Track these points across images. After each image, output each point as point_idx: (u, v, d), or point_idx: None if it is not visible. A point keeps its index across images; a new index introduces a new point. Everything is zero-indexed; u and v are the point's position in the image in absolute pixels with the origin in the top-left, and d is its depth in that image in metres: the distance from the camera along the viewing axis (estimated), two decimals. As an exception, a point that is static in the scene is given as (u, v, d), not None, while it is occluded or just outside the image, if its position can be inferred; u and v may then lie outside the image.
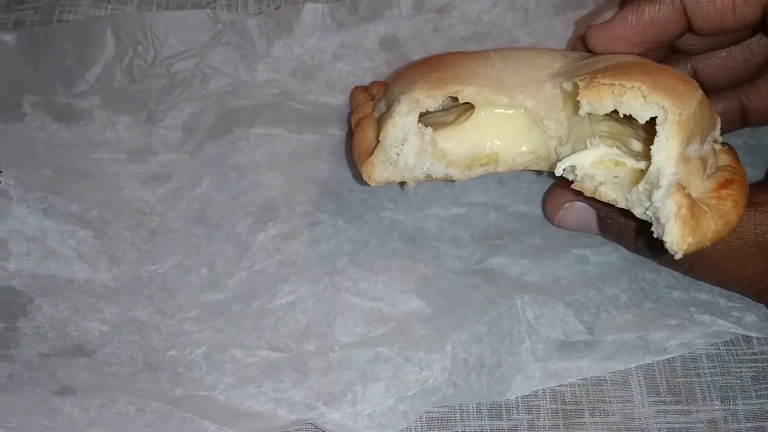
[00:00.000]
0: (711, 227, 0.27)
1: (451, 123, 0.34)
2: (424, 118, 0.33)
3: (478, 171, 0.33)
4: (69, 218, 0.37)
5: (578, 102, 0.30)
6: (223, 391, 0.33)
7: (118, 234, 0.37)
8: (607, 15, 0.34)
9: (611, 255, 0.37)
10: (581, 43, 0.35)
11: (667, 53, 0.36)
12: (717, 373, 0.35)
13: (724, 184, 0.29)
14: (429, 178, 0.34)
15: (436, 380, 0.34)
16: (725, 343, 0.36)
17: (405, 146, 0.33)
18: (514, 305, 0.35)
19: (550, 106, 0.32)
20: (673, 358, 0.35)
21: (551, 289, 0.36)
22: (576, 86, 0.30)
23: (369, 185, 0.33)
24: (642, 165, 0.29)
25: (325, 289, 0.36)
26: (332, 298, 0.36)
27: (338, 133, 0.41)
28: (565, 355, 0.35)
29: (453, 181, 0.34)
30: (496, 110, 0.33)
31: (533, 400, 0.34)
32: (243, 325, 0.35)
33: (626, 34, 0.33)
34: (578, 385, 0.35)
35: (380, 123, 0.34)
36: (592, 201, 0.31)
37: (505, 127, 0.33)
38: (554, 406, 0.34)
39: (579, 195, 0.32)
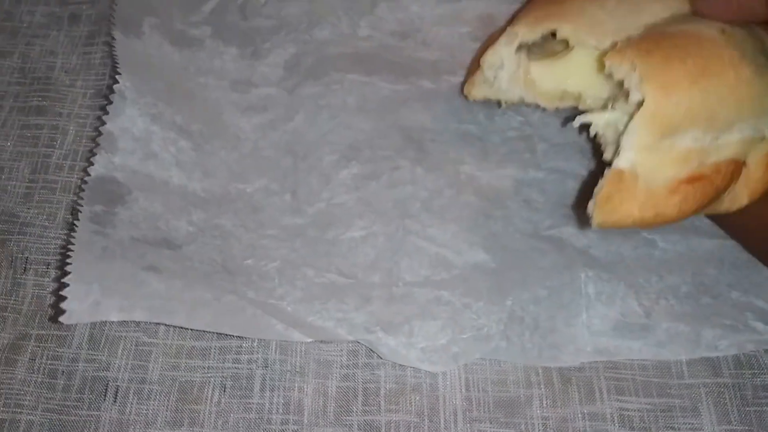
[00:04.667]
0: (633, 212, 0.29)
1: (556, 54, 0.35)
2: (538, 44, 0.35)
3: (563, 104, 0.36)
4: (173, 127, 0.40)
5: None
6: (291, 303, 0.35)
7: (214, 151, 0.40)
8: None
9: (680, 244, 0.38)
10: None
11: None
12: None
13: (691, 179, 0.29)
14: (521, 101, 0.37)
15: (491, 329, 0.35)
16: (736, 345, 0.35)
17: (501, 72, 0.37)
18: (578, 278, 0.36)
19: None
20: (744, 385, 0.35)
21: (616, 268, 0.37)
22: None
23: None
24: None
25: (397, 230, 0.37)
26: (402, 238, 0.37)
27: (428, 85, 0.43)
28: (619, 334, 0.35)
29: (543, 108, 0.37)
30: (587, 51, 0.33)
31: (601, 425, 0.34)
32: (316, 249, 0.37)
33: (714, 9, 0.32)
34: (647, 410, 0.35)
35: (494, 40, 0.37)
36: None
37: (593, 68, 0.34)
38: (622, 431, 0.34)
39: None
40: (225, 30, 0.45)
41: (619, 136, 0.30)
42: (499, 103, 0.39)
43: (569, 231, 0.38)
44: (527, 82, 0.36)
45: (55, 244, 0.39)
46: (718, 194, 0.30)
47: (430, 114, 0.42)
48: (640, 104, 0.29)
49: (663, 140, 0.29)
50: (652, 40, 0.30)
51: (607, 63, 0.30)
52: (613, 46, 0.31)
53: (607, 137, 0.32)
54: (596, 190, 0.30)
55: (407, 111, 0.42)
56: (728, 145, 0.30)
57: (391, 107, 0.42)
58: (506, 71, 0.36)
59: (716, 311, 0.36)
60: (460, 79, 0.43)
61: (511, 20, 0.40)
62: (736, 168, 0.31)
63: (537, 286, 0.36)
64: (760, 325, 0.35)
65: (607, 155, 0.32)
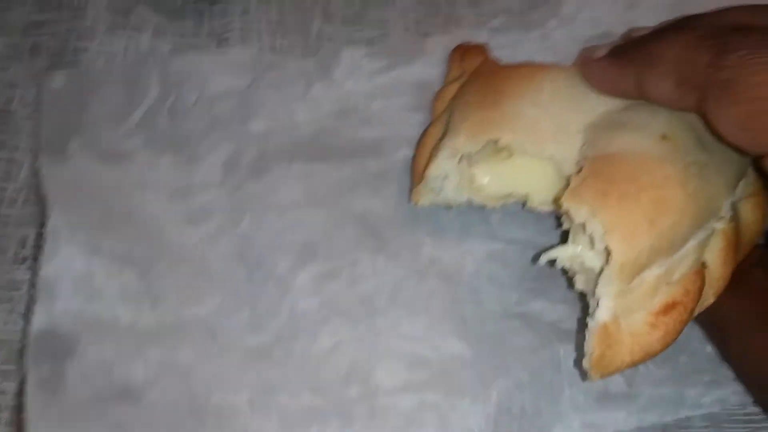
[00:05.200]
0: (625, 359, 0.29)
1: (500, 153, 0.35)
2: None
3: (511, 201, 0.36)
4: (114, 258, 0.38)
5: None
6: (268, 437, 0.33)
7: (161, 274, 0.38)
8: (600, 52, 0.34)
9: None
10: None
11: None
12: None
13: (665, 310, 0.30)
14: (469, 204, 0.37)
15: (481, 427, 0.33)
16: (720, 401, 0.35)
17: (445, 182, 0.36)
18: (556, 354, 0.35)
19: (576, 161, 0.32)
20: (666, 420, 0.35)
21: None
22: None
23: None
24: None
25: (366, 332, 0.36)
26: (373, 341, 0.35)
27: (375, 165, 0.41)
28: (603, 406, 0.34)
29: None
30: (529, 157, 0.33)
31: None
32: (286, 370, 0.35)
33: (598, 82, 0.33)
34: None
35: (435, 149, 0.37)
36: None
37: (538, 172, 0.34)
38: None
39: None
40: (157, 138, 0.43)
41: (585, 266, 0.30)
42: (448, 206, 0.38)
43: (538, 305, 0.37)
44: (473, 189, 0.36)
45: (5, 278, 0.40)
46: (693, 313, 0.31)
47: (381, 198, 0.40)
48: (606, 250, 0.29)
49: (633, 282, 0.29)
50: (604, 177, 0.29)
51: (564, 205, 0.30)
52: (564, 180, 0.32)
53: (573, 268, 0.31)
54: (586, 349, 0.30)
55: (358, 197, 0.40)
56: (687, 254, 0.30)
57: (341, 195, 0.40)
58: (451, 182, 0.36)
59: (695, 369, 0.35)
60: (406, 153, 0.41)
61: (441, 93, 0.40)
62: (701, 280, 0.31)
63: (518, 370, 0.34)
64: None
65: (578, 285, 0.32)
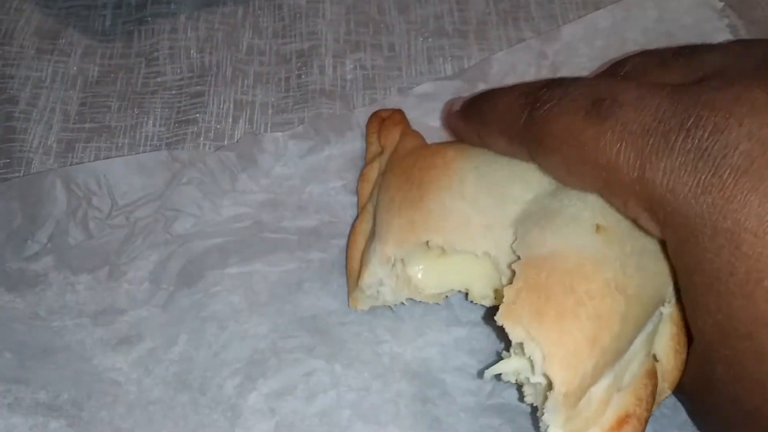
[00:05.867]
0: None
1: (434, 251, 0.33)
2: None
3: (451, 294, 0.35)
4: (37, 409, 0.33)
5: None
6: None
7: (93, 416, 0.34)
8: (455, 106, 0.36)
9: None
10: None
11: None
12: None
13: (618, 424, 0.28)
14: (410, 301, 0.35)
15: None
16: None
17: (382, 288, 0.34)
18: None
19: (511, 255, 0.31)
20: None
21: None
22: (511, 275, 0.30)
23: None
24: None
25: (332, 453, 0.32)
26: (341, 462, 0.32)
27: (318, 256, 0.39)
28: None
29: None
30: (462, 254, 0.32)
31: None
32: None
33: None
34: None
35: (365, 254, 0.35)
36: None
37: (474, 266, 0.33)
38: None
39: None
40: (70, 255, 0.38)
41: (530, 381, 0.28)
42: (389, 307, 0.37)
43: (512, 394, 0.34)
44: (412, 289, 0.34)
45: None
46: (647, 421, 0.29)
47: (329, 293, 0.37)
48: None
49: (580, 402, 0.27)
50: (539, 291, 0.28)
51: (499, 322, 0.28)
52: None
53: (520, 380, 0.30)
54: None
55: (304, 296, 0.37)
56: (636, 352, 0.29)
57: (285, 295, 0.37)
58: (387, 287, 0.34)
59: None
60: (347, 239, 0.38)
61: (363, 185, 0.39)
62: (653, 382, 0.29)
63: None
64: None
65: (527, 399, 0.30)
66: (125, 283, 0.38)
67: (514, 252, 0.30)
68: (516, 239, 0.31)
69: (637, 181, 0.26)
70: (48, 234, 0.39)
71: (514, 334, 0.28)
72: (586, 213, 0.30)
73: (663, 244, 0.29)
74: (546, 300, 0.27)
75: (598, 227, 0.29)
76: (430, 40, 0.48)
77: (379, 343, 0.36)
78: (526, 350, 0.27)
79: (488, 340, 0.36)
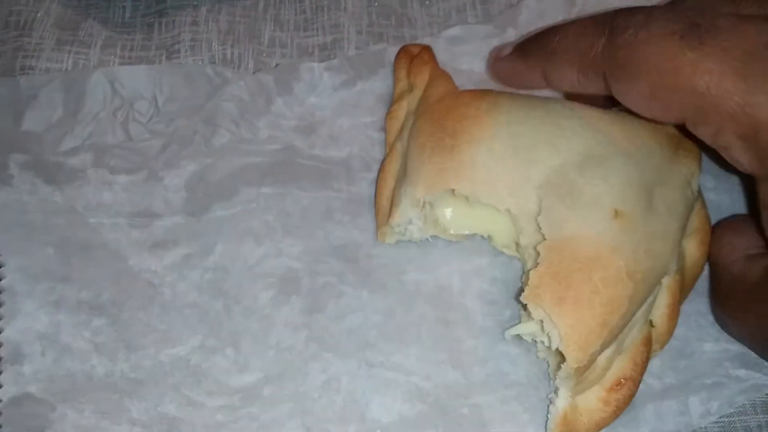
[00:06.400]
0: None
1: (458, 197, 0.36)
2: None
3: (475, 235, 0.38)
4: (81, 307, 0.35)
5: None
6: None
7: (132, 314, 0.35)
8: (506, 50, 0.36)
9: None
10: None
11: None
12: None
13: (616, 386, 0.33)
14: (436, 238, 0.38)
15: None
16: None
17: (410, 226, 0.37)
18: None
19: (531, 216, 0.33)
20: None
21: None
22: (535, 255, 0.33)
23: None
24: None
25: (359, 366, 0.35)
26: (367, 374, 0.35)
27: (347, 188, 0.40)
28: (610, 428, 0.34)
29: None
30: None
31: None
32: (278, 410, 0.34)
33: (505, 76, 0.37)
34: None
35: (396, 195, 0.37)
36: None
37: (497, 218, 0.35)
38: None
39: None
40: (109, 155, 0.39)
41: (546, 339, 0.32)
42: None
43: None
44: (438, 229, 0.37)
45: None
46: (640, 381, 0.33)
47: (357, 227, 0.39)
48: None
49: (587, 371, 0.31)
50: (560, 278, 0.31)
51: (523, 300, 0.32)
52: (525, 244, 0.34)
53: (536, 338, 0.33)
54: (549, 428, 0.33)
55: (335, 226, 0.39)
56: (636, 321, 0.33)
57: (317, 221, 0.39)
58: (415, 225, 0.37)
59: (696, 372, 0.35)
60: (375, 176, 0.40)
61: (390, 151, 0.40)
62: (648, 348, 0.33)
63: (515, 407, 0.34)
64: (742, 372, 0.35)
65: (540, 354, 0.35)
66: (162, 189, 0.39)
67: (537, 224, 0.33)
68: (540, 211, 0.33)
69: (739, 107, 0.25)
70: (88, 131, 0.39)
71: (536, 313, 0.31)
72: (608, 195, 0.33)
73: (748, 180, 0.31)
74: (566, 288, 0.31)
75: (616, 212, 0.32)
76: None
77: (403, 272, 0.38)
78: (545, 328, 0.31)
79: (508, 270, 0.38)
